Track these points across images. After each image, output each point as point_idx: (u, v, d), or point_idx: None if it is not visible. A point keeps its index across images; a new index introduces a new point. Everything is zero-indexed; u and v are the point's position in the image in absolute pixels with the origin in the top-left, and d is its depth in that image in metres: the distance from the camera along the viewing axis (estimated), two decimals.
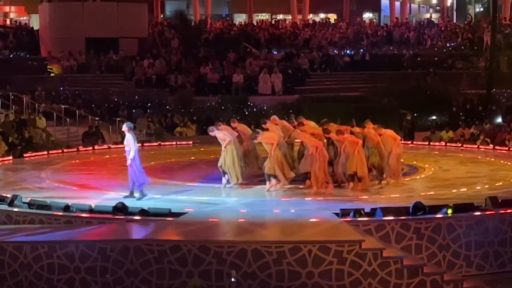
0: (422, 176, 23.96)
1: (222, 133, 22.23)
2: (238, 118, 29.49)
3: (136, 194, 20.40)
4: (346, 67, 48.12)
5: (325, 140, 22.62)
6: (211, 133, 22.42)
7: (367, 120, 22.97)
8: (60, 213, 18.28)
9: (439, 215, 17.54)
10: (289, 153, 22.96)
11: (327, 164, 21.90)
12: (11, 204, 18.99)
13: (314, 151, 21.25)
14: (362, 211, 17.68)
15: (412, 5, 76.37)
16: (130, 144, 20.25)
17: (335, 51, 51.12)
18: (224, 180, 22.29)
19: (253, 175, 23.15)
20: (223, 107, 39.28)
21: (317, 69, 47.92)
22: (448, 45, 52.27)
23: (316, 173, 21.21)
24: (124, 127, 20.74)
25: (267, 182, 21.78)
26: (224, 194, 21.59)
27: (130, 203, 18.84)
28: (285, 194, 21.20)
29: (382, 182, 22.43)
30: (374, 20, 66.55)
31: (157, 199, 20.34)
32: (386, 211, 17.59)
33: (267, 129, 22.66)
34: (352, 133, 22.50)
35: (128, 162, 20.29)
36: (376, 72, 45.85)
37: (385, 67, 47.12)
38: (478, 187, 21.67)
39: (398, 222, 17.28)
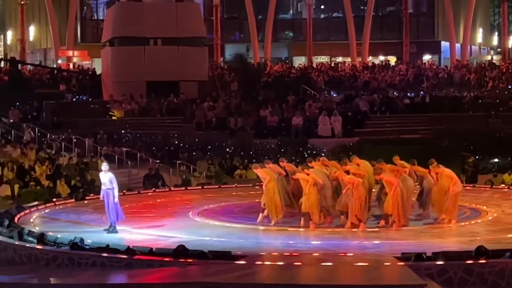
0: (485, 219, 23.63)
1: (263, 172, 22.63)
2: (298, 160, 29.53)
3: (110, 228, 21.70)
4: (406, 109, 47.83)
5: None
6: (254, 170, 23.36)
7: (432, 160, 23.22)
8: (122, 256, 18.40)
9: (502, 260, 17.27)
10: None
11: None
12: (73, 247, 19.19)
13: (351, 187, 21.31)
14: (424, 255, 17.50)
15: (472, 47, 76.04)
16: (114, 183, 21.59)
17: (395, 93, 50.98)
18: (260, 216, 22.62)
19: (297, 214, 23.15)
20: (282, 150, 39.24)
21: (377, 111, 47.70)
22: (510, 87, 51.76)
23: (349, 207, 21.47)
24: (106, 167, 21.84)
25: (302, 219, 21.99)
26: (271, 234, 21.77)
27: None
28: (343, 236, 21.09)
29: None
30: (435, 62, 66.30)
31: (211, 240, 20.50)
32: (448, 255, 17.38)
33: (312, 167, 22.78)
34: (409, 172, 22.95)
35: (116, 199, 21.56)
36: (437, 114, 45.51)
37: (446, 109, 46.70)
38: None
39: (461, 266, 17.04)
